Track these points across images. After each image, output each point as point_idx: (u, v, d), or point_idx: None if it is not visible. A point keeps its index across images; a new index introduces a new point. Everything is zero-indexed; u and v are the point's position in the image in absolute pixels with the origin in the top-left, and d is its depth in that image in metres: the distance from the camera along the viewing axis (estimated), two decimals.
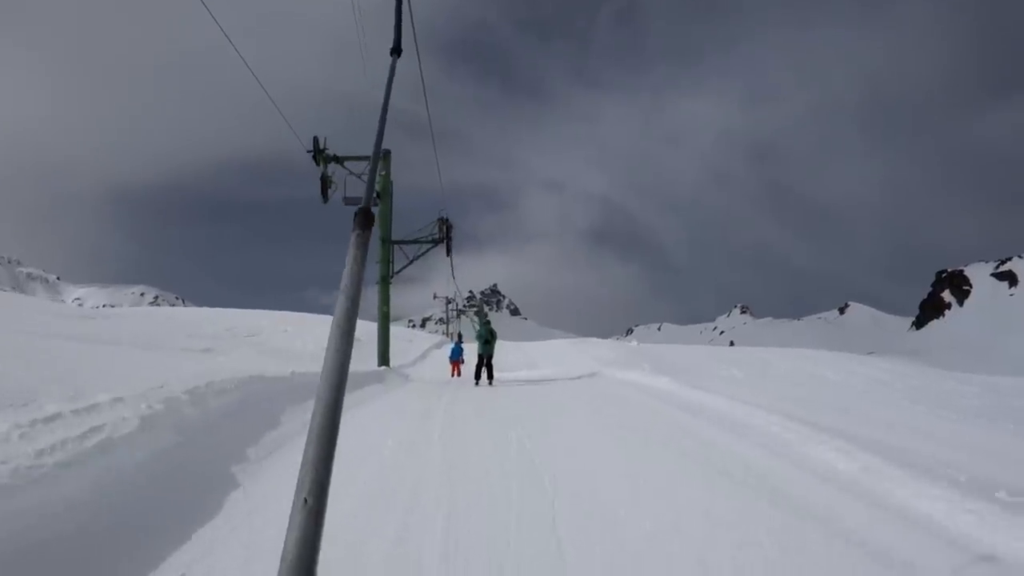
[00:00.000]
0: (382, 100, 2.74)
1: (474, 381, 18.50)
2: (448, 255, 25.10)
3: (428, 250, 24.34)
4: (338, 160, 21.67)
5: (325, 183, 21.52)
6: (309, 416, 1.54)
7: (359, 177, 21.72)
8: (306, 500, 1.38)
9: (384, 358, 23.01)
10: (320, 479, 1.42)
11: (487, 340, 18.68)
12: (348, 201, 21.66)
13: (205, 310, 69.40)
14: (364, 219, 2.09)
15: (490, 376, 18.52)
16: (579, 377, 20.35)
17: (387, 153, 22.73)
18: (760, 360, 54.07)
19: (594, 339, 71.01)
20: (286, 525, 1.32)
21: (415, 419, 10.34)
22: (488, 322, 20.01)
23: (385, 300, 23.18)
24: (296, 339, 40.40)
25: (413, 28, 8.38)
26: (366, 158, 20.73)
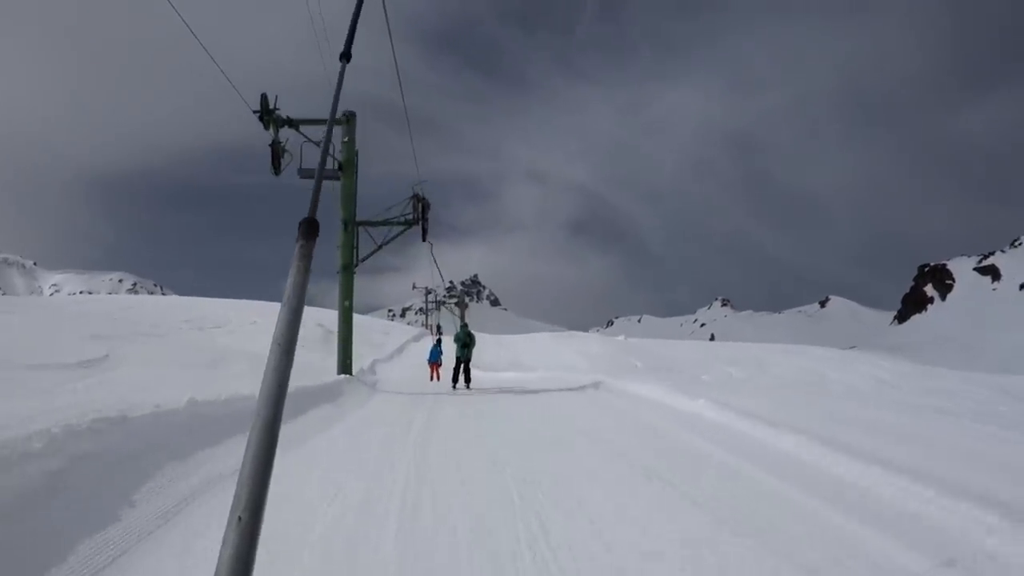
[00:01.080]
0: (330, 106, 2.68)
1: (452, 385, 18.42)
2: (424, 239, 20.71)
3: (400, 233, 19.98)
4: (292, 124, 17.75)
5: (276, 152, 17.73)
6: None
7: (318, 145, 17.74)
8: (240, 518, 1.41)
9: (345, 365, 19.20)
10: (255, 497, 1.44)
11: (465, 344, 18.48)
12: (304, 174, 17.95)
13: (172, 298, 66.15)
14: (308, 228, 2.04)
15: (467, 380, 18.41)
16: (580, 388, 17.36)
17: (351, 116, 18.99)
18: (755, 358, 51.67)
19: (580, 333, 68.34)
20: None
21: (369, 469, 7.15)
22: (466, 325, 19.86)
23: (347, 293, 19.24)
24: (262, 333, 37.42)
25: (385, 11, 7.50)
26: (326, 122, 17.31)
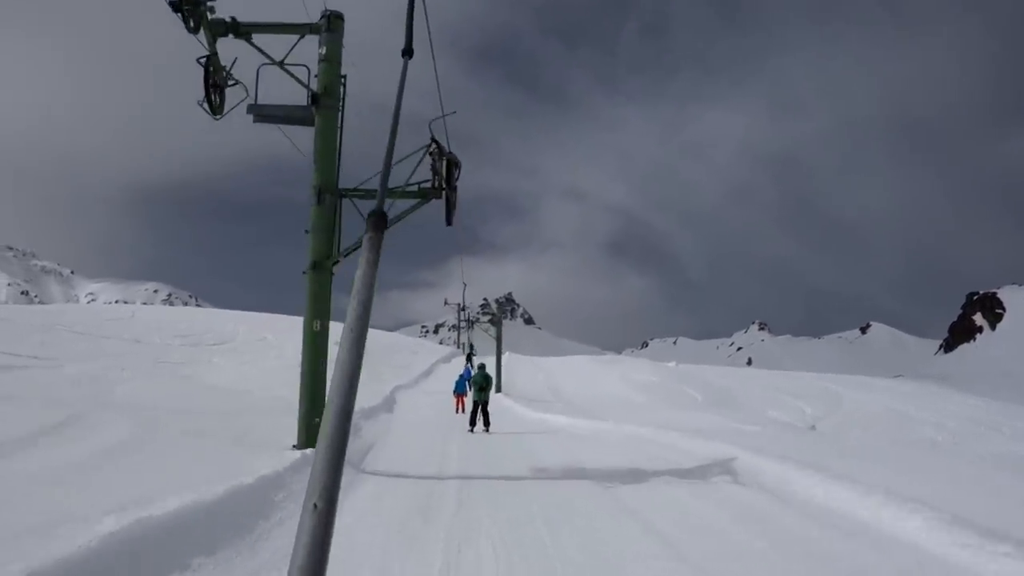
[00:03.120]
0: (394, 103, 2.72)
1: (469, 428, 17.69)
2: (450, 221, 11.99)
3: (412, 210, 11.56)
4: (241, 32, 10.56)
5: (213, 75, 10.75)
6: None
7: (285, 69, 10.86)
8: (315, 505, 1.50)
9: (308, 436, 10.66)
10: (329, 484, 1.54)
11: (482, 387, 18.00)
12: (260, 115, 11.17)
13: (190, 310, 62.17)
14: (378, 221, 2.14)
15: (486, 423, 17.75)
16: (698, 475, 10.21)
17: (333, 20, 11.22)
18: (823, 391, 46.26)
19: (624, 357, 63.13)
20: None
21: None
22: (483, 366, 19.23)
23: (320, 307, 11.10)
24: (266, 353, 33.20)
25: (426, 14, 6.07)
26: (296, 28, 10.94)
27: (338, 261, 11.17)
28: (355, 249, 11.12)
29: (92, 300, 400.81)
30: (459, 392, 24.15)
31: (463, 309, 53.23)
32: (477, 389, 17.94)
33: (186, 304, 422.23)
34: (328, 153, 11.26)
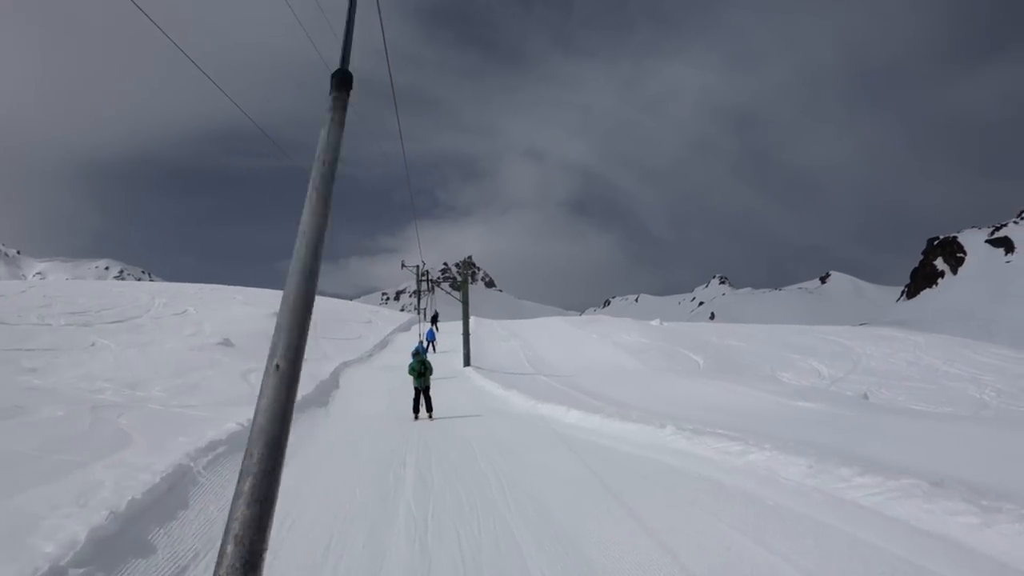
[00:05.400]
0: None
1: (413, 416, 16.61)
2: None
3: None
4: None
5: None
6: None
7: None
8: (277, 366, 1.61)
9: None
10: (293, 345, 1.65)
11: (420, 373, 17.25)
12: None
13: (108, 283, 55.65)
14: (343, 79, 2.13)
15: (429, 408, 16.69)
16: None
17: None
18: (839, 347, 41.67)
19: (605, 317, 58.13)
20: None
21: None
22: (418, 352, 18.20)
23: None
24: (183, 328, 27.23)
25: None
26: None
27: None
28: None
29: (40, 279, 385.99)
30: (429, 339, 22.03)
31: (423, 274, 47.36)
32: (416, 376, 17.36)
33: (139, 280, 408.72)
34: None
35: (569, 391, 19.42)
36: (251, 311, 33.34)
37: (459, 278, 37.03)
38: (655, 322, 49.43)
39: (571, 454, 10.26)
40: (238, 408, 12.49)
